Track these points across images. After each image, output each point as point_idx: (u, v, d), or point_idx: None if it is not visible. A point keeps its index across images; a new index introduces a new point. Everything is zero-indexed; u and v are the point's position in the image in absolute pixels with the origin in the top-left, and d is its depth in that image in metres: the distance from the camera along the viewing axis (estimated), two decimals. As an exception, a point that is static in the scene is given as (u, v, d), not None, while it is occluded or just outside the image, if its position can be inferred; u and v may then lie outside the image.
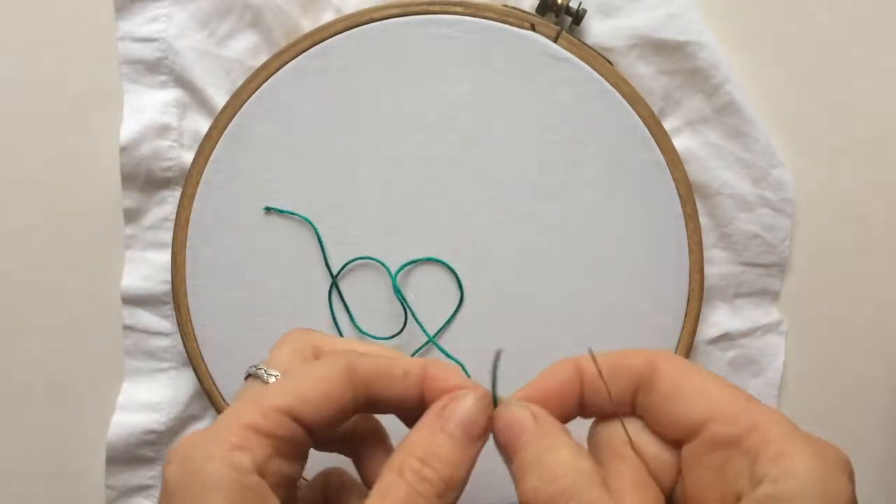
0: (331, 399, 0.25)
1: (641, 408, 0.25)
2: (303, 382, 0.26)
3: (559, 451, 0.23)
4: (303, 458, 0.26)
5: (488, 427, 0.25)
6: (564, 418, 0.26)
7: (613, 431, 0.26)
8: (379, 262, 0.42)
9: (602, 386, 0.25)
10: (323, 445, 0.29)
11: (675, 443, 0.25)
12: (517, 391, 0.26)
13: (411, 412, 0.27)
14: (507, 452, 0.25)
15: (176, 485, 0.23)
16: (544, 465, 0.23)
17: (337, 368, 0.26)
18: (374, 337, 0.42)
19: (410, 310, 0.42)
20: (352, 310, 0.42)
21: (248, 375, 0.28)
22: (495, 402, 0.26)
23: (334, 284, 0.42)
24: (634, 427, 0.25)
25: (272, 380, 0.27)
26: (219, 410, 0.43)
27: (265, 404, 0.25)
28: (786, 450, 0.22)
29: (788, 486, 0.21)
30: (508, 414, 0.25)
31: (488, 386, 0.26)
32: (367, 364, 0.26)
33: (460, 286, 0.42)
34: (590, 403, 0.26)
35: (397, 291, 0.42)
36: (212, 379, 0.42)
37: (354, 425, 0.29)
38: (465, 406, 0.25)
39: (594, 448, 0.26)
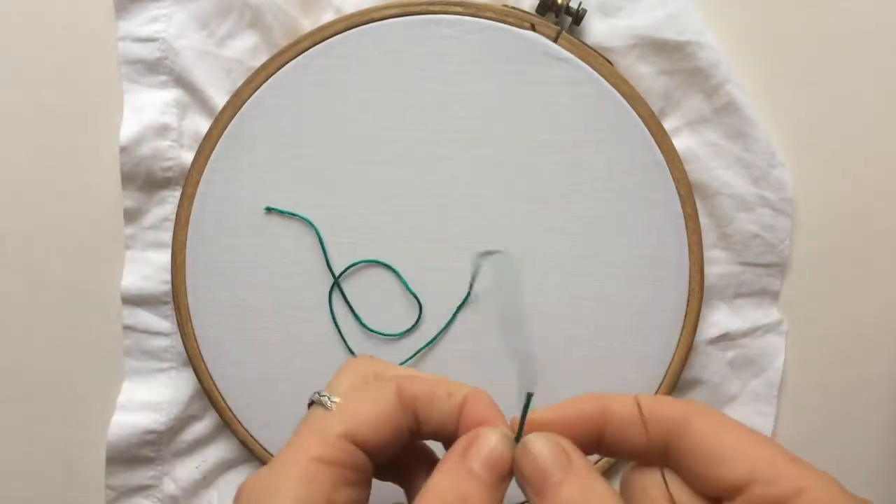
0: (386, 420, 0.26)
1: (675, 461, 0.24)
2: (359, 406, 0.26)
3: (600, 491, 0.23)
4: (367, 484, 0.26)
5: (512, 466, 0.24)
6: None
7: (648, 481, 0.25)
8: (385, 264, 0.42)
9: (631, 431, 0.25)
10: (378, 473, 0.28)
11: (713, 500, 0.24)
12: (537, 410, 0.25)
13: (452, 439, 0.26)
14: (535, 487, 0.23)
15: None
16: None
17: (389, 390, 0.26)
18: (381, 334, 0.42)
19: (421, 307, 0.42)
20: (352, 310, 0.42)
21: (311, 403, 0.28)
22: (518, 439, 0.25)
23: (336, 284, 0.42)
24: (669, 479, 0.24)
25: (334, 406, 0.27)
26: (219, 410, 0.43)
27: (327, 433, 0.25)
28: None
29: None
30: (537, 448, 0.24)
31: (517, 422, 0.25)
32: (414, 384, 0.27)
33: (464, 285, 0.42)
34: (612, 444, 0.25)
35: (408, 289, 0.42)
36: (212, 379, 0.42)
37: (408, 453, 0.28)
38: (490, 446, 0.24)
39: (626, 496, 0.25)
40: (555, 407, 0.25)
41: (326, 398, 0.27)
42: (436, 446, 0.29)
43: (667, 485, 0.24)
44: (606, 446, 0.25)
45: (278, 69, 0.42)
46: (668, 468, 0.25)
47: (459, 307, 0.42)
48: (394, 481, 0.29)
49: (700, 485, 0.24)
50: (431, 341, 0.42)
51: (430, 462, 0.29)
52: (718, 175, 0.44)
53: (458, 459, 0.24)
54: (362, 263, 0.42)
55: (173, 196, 0.44)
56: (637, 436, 0.24)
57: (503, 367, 0.42)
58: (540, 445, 0.24)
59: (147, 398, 0.44)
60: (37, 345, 0.45)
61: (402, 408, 0.26)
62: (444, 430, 0.27)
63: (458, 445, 0.25)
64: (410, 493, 0.29)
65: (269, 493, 0.23)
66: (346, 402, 0.26)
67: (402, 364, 0.42)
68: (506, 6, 0.42)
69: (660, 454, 0.25)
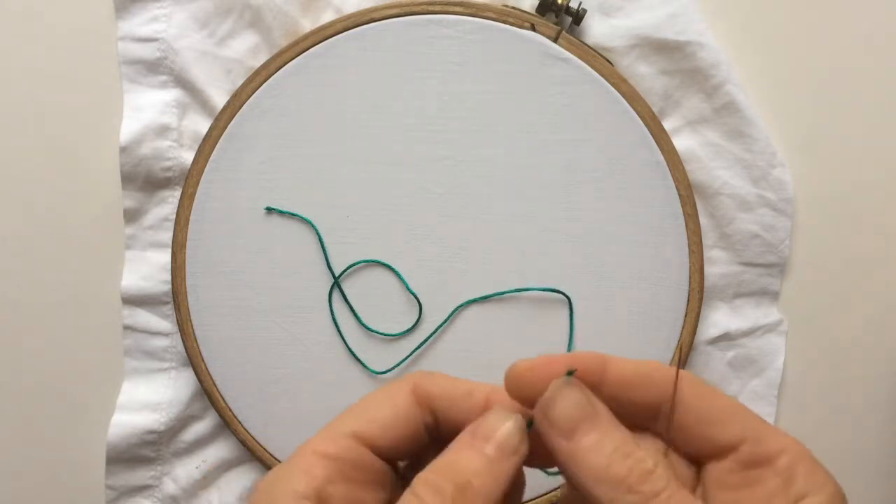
0: (399, 418, 0.25)
1: (662, 425, 0.25)
2: (370, 404, 0.26)
3: (620, 436, 0.23)
4: (380, 484, 0.26)
5: (512, 445, 0.24)
6: None
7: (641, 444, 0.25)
8: (387, 265, 0.42)
9: (626, 393, 0.25)
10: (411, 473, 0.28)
11: (697, 460, 0.25)
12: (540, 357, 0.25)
13: None
14: (564, 431, 0.23)
15: None
16: (623, 454, 0.23)
17: (403, 388, 0.26)
18: (381, 334, 0.42)
19: (421, 307, 0.42)
20: (352, 310, 0.42)
21: None
22: (530, 425, 0.25)
23: (336, 284, 0.42)
24: (656, 446, 0.25)
25: None
26: (218, 410, 0.43)
27: (336, 431, 0.25)
28: (816, 469, 0.23)
29: (827, 499, 0.23)
30: (570, 395, 0.24)
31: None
32: (432, 382, 0.26)
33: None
34: (609, 401, 0.25)
35: (408, 289, 0.42)
36: (212, 379, 0.42)
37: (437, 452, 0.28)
38: (491, 420, 0.24)
39: None
40: (561, 355, 0.25)
41: None
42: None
43: (666, 445, 0.25)
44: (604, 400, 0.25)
45: (278, 69, 0.42)
46: (653, 436, 0.25)
47: (459, 307, 0.42)
48: None
49: (689, 445, 0.24)
50: (427, 339, 0.42)
51: None
52: (718, 175, 0.44)
53: (467, 437, 0.24)
54: (362, 263, 0.42)
55: (173, 196, 0.44)
56: (632, 397, 0.25)
57: (503, 366, 0.42)
58: (572, 392, 0.24)
59: (147, 398, 0.44)
60: (37, 345, 0.45)
61: (417, 407, 0.26)
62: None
63: (471, 426, 0.25)
64: None
65: (273, 485, 0.24)
66: (361, 401, 0.26)
67: (400, 363, 0.42)
68: (506, 6, 0.42)
69: (651, 418, 0.25)
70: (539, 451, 0.25)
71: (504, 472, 0.24)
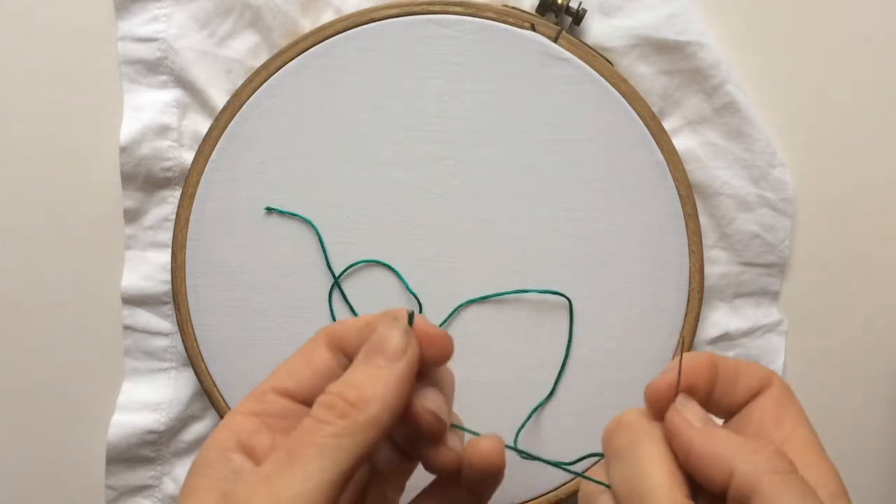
0: (313, 366, 0.27)
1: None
2: (288, 361, 0.28)
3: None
4: None
5: (400, 349, 0.26)
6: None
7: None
8: (387, 265, 0.42)
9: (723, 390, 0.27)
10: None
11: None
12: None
13: None
14: (701, 421, 0.26)
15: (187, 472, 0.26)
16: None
17: (316, 340, 0.28)
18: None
19: (421, 306, 0.42)
20: (352, 310, 0.42)
21: None
22: (411, 321, 0.27)
23: (336, 284, 0.42)
24: None
25: None
26: (218, 410, 0.43)
27: (258, 390, 0.27)
28: (823, 461, 0.27)
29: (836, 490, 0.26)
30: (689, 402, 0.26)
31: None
32: (338, 326, 0.28)
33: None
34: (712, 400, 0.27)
35: (408, 289, 0.42)
36: (212, 379, 0.43)
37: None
38: (378, 332, 0.26)
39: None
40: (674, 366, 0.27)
41: None
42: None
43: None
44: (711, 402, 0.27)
45: (278, 69, 0.42)
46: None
47: (459, 307, 0.42)
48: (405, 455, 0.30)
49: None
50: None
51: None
52: (718, 175, 0.44)
53: (363, 355, 0.26)
54: (362, 263, 0.42)
55: (173, 196, 0.44)
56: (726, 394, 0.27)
57: (504, 366, 0.42)
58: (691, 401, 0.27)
59: (147, 398, 0.44)
60: (37, 345, 0.45)
61: (331, 353, 0.28)
62: None
63: (365, 345, 0.27)
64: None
65: (204, 447, 0.26)
66: (282, 363, 0.28)
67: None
68: (506, 6, 0.42)
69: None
70: (427, 351, 0.27)
71: (396, 375, 0.25)
